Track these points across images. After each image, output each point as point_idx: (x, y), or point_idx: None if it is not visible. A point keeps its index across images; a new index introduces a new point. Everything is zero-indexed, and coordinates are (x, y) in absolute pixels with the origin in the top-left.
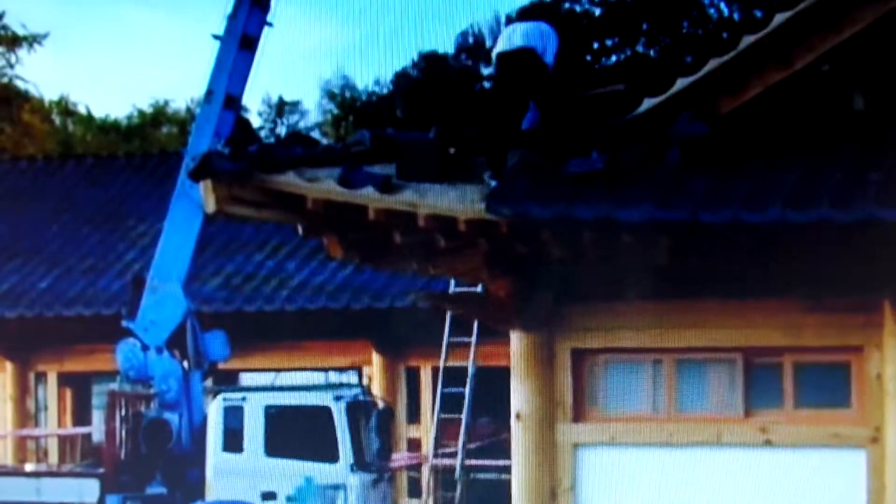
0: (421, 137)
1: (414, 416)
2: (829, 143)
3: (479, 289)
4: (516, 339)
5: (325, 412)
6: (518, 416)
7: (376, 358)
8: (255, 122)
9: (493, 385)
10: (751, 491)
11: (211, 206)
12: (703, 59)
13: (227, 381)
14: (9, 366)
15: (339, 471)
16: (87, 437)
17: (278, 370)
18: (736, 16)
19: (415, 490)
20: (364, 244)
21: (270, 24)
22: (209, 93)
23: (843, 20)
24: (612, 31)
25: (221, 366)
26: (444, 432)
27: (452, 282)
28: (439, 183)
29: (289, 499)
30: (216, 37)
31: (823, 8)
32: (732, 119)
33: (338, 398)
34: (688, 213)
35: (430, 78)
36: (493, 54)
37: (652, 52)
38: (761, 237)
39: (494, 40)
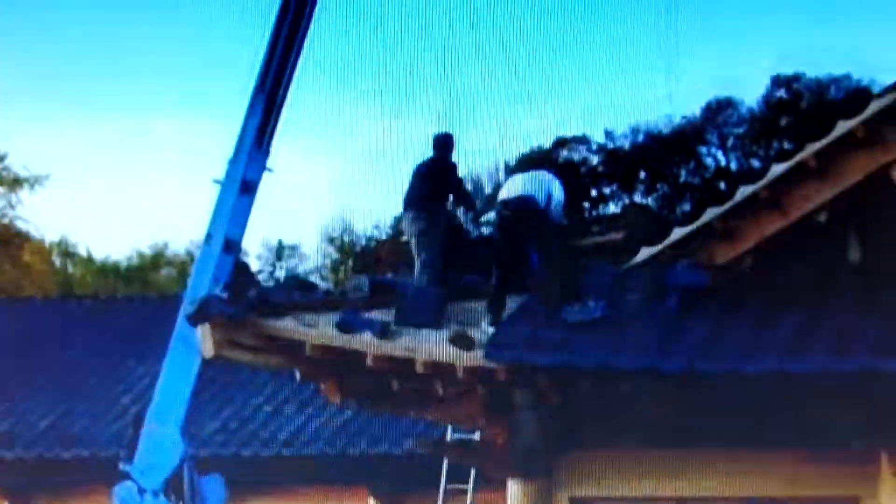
0: (420, 285)
1: None
2: (826, 293)
3: (476, 435)
4: (514, 486)
5: None
6: None
7: (372, 503)
8: (254, 265)
9: None
10: None
11: (209, 351)
12: (700, 209)
13: None
14: None
15: None
16: None
17: None
18: (733, 165)
19: None
20: (362, 389)
21: (271, 170)
22: (208, 236)
23: (837, 172)
24: (609, 179)
25: None
26: None
27: (450, 428)
28: (438, 329)
29: None
30: (216, 181)
31: (819, 160)
32: (729, 267)
33: None
34: (685, 363)
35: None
36: (497, 199)
37: (650, 200)
38: (758, 387)
39: (494, 187)
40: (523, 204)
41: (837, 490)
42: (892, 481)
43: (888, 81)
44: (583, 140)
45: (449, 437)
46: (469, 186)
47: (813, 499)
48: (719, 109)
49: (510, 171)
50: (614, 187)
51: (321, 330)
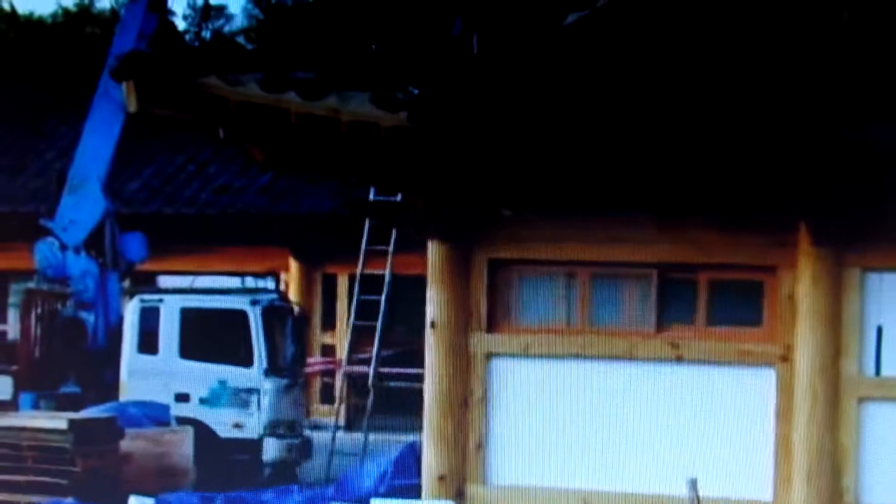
0: (348, 45)
1: (329, 322)
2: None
3: (398, 197)
4: (433, 249)
5: (241, 316)
6: (433, 325)
7: (293, 264)
8: (181, 25)
9: (409, 294)
10: (661, 405)
11: (133, 107)
12: None
13: (145, 282)
14: None
15: (252, 375)
16: (2, 334)
17: (196, 273)
18: None
19: (328, 396)
20: (285, 150)
21: None
22: None
23: None
24: None
25: (139, 267)
26: (359, 339)
27: (372, 190)
28: (363, 90)
29: (202, 401)
30: None
31: None
32: None
33: (254, 302)
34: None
35: None
36: None
37: None
38: (681, 151)
39: None
40: None
41: (755, 259)
42: (810, 251)
43: None
44: None
45: (371, 198)
46: None
47: (730, 266)
48: None
49: None
50: None
51: (245, 88)
